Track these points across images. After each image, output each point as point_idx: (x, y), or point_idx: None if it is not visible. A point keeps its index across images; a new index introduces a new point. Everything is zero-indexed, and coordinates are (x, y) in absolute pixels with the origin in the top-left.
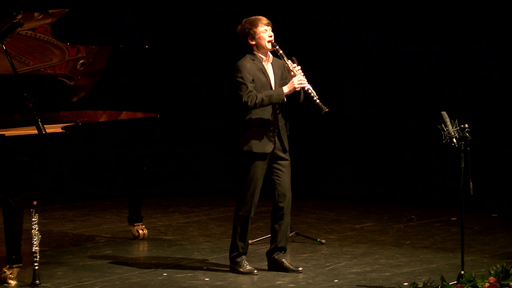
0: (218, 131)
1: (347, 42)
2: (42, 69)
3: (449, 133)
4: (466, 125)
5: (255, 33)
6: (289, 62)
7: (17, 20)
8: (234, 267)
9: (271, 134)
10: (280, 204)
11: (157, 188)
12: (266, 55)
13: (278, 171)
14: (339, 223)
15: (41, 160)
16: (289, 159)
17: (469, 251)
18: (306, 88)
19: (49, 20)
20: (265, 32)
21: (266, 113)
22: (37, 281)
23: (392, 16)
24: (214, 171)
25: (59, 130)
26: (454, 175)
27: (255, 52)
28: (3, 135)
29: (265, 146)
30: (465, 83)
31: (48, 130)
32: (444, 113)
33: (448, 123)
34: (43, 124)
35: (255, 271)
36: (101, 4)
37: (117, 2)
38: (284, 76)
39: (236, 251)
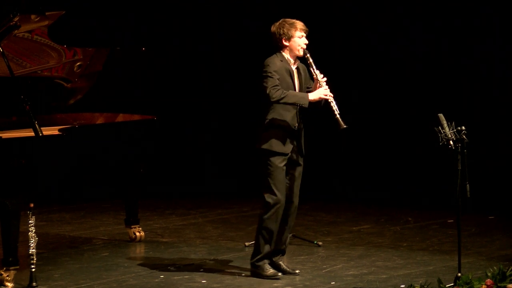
0: (215, 133)
1: (344, 42)
2: (39, 72)
3: (446, 135)
4: (463, 127)
5: (291, 35)
6: (317, 72)
7: (14, 22)
8: (257, 271)
9: (291, 136)
10: (286, 208)
11: (154, 190)
12: (294, 58)
13: (290, 175)
14: (336, 225)
15: (38, 162)
16: (302, 164)
17: (466, 253)
18: (329, 101)
19: (46, 23)
20: (301, 38)
21: (288, 114)
22: (34, 284)
23: (391, 16)
24: (211, 173)
25: (56, 132)
26: (451, 177)
27: (284, 53)
28: (0, 137)
29: (285, 146)
30: (462, 85)
31: (45, 132)
32: (441, 115)
33: (445, 125)
34: (40, 126)
35: (279, 274)
36: (97, 6)
37: (113, 4)
38: (307, 82)
39: (259, 255)
